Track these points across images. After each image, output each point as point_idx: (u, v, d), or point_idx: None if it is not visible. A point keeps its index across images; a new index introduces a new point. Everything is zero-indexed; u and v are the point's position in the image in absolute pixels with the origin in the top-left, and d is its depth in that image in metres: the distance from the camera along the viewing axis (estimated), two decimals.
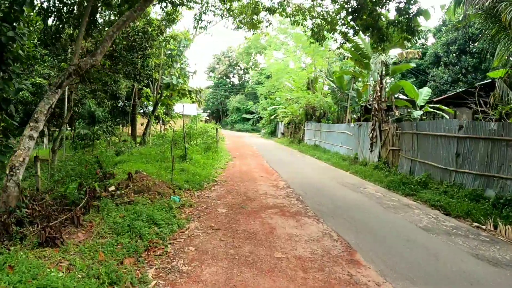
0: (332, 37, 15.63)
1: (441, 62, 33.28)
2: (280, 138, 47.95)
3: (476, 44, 30.92)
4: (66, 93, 23.43)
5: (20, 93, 24.78)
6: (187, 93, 22.94)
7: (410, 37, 13.70)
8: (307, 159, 24.19)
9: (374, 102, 19.93)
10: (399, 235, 8.53)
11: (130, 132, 30.02)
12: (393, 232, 8.71)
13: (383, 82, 19.99)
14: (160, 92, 26.55)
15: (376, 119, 19.65)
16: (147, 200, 9.55)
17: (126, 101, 30.71)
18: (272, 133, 54.83)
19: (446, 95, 22.45)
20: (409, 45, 21.31)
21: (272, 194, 12.32)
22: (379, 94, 19.77)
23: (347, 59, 25.98)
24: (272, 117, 51.11)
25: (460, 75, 31.50)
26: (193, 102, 23.41)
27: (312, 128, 34.29)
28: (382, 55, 19.35)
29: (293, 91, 39.72)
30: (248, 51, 77.57)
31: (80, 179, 11.88)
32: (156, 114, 29.61)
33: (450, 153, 13.66)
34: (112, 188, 10.41)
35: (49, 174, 13.49)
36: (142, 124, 32.76)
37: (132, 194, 9.97)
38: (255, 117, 71.80)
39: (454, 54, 31.87)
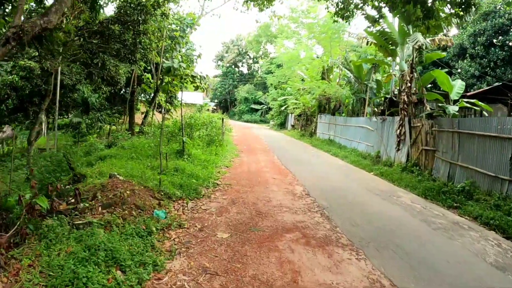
0: (363, 14, 12.61)
1: (467, 54, 29.93)
2: (290, 130, 44.87)
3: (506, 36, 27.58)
4: (59, 77, 20.78)
5: (10, 77, 21.99)
6: (191, 79, 20.00)
7: (462, 13, 10.78)
8: (322, 156, 21.18)
9: (403, 93, 16.85)
10: (474, 280, 5.77)
11: (128, 121, 27.10)
12: (464, 275, 5.94)
13: (414, 71, 16.89)
14: (161, 77, 23.58)
15: (405, 113, 16.60)
16: (118, 218, 6.67)
17: (127, 88, 27.82)
18: (282, 125, 51.77)
19: (482, 89, 19.39)
20: (464, 21, 17.95)
21: (289, 207, 9.39)
22: (409, 85, 16.69)
23: (370, 45, 22.85)
24: (282, 108, 48.01)
25: (488, 68, 28.15)
26: (196, 88, 20.49)
27: (325, 121, 31.20)
28: (422, 38, 16.11)
29: (306, 81, 36.57)
30: (258, 40, 74.14)
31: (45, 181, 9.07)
32: (157, 102, 26.70)
33: (503, 158, 10.70)
34: (73, 199, 7.56)
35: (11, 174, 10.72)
36: (143, 113, 29.87)
37: (99, 209, 7.09)
38: (264, 108, 68.74)
39: (481, 46, 28.48)
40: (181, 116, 14.42)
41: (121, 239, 5.90)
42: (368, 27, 17.73)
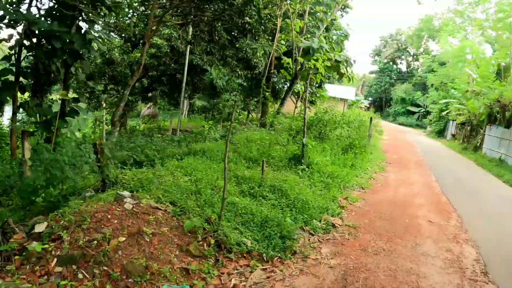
0: None
1: None
2: (449, 140, 36.75)
3: None
4: (187, 57, 18.59)
5: (138, 54, 20.50)
6: (334, 63, 15.68)
7: None
8: (493, 184, 14.38)
9: None
10: None
11: (260, 109, 23.80)
12: None
13: None
14: (301, 62, 19.53)
15: None
16: None
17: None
18: (440, 133, 43.36)
19: None
20: None
21: None
22: None
23: None
24: (443, 114, 39.98)
25: None
26: (340, 75, 16.00)
27: (496, 135, 23.49)
28: None
29: (475, 82, 28.53)
30: (419, 34, 65.05)
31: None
32: (296, 91, 22.80)
33: None
34: (42, 228, 4.10)
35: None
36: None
37: (52, 264, 3.45)
38: (421, 111, 59.75)
39: None
40: (304, 107, 10.19)
41: None
42: None
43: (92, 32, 10.71)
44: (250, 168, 8.96)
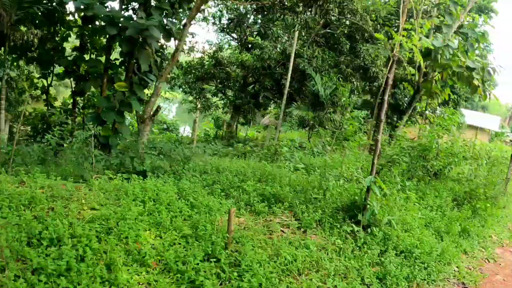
0: None
1: None
2: None
3: None
4: (292, 60, 15.59)
5: (243, 55, 18.57)
6: (465, 71, 10.61)
7: None
8: None
9: None
10: None
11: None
12: None
13: None
14: (425, 72, 14.32)
15: None
16: None
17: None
18: None
19: None
20: None
21: None
22: None
23: None
24: None
25: None
26: (473, 89, 10.77)
27: None
28: None
29: None
30: None
31: None
32: (419, 109, 17.49)
33: None
34: None
35: None
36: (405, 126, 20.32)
37: None
38: None
39: None
40: (379, 128, 5.89)
41: None
42: None
43: (145, 19, 8.73)
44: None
